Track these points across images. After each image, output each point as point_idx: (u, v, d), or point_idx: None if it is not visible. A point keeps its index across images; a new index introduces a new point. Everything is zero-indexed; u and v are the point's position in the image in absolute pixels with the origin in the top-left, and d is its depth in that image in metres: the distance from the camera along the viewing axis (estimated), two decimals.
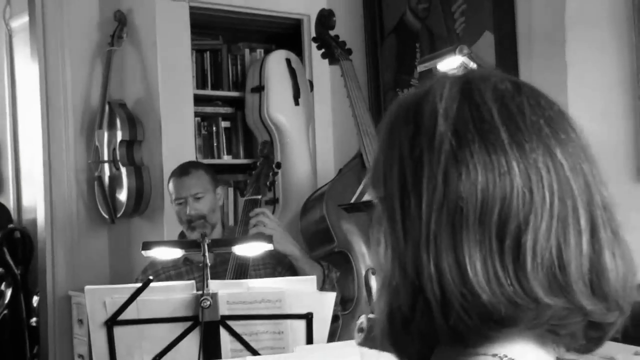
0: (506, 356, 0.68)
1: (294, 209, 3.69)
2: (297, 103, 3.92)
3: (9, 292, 4.32)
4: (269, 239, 2.09)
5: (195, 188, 2.75)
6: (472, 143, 0.67)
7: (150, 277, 1.95)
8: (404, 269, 0.68)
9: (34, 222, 4.20)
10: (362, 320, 0.81)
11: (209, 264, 1.97)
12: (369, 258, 3.18)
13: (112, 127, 3.74)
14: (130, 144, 3.72)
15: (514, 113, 0.69)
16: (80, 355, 3.75)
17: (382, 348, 0.71)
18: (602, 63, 2.85)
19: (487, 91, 0.71)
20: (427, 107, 0.71)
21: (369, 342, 0.79)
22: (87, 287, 1.94)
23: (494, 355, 0.68)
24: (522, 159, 0.67)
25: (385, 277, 0.71)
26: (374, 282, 3.22)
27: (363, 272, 3.17)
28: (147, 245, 2.07)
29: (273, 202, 3.83)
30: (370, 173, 0.75)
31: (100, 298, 1.93)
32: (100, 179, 3.79)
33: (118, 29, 3.78)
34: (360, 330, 0.81)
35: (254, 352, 1.95)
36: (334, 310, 2.05)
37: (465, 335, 0.67)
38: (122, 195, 3.70)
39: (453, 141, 0.68)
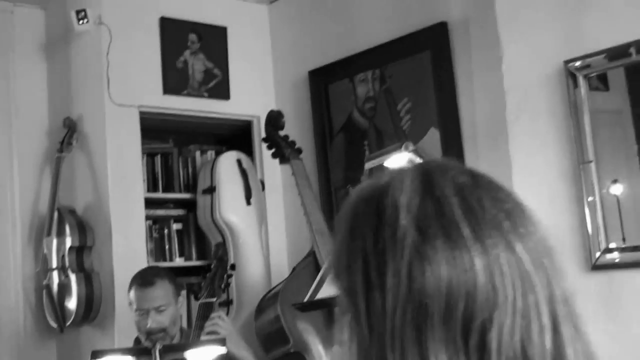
0: None
1: (248, 310, 3.64)
2: (249, 203, 3.93)
3: None
4: (222, 342, 2.05)
5: (159, 300, 2.68)
6: (435, 238, 0.67)
7: None
8: None
9: None
10: None
11: None
12: (325, 359, 3.13)
13: (61, 233, 3.68)
14: (80, 250, 3.66)
15: (474, 207, 0.70)
16: None
17: None
18: (545, 155, 2.93)
19: (446, 185, 0.71)
20: (389, 201, 0.71)
21: None
22: None
23: None
24: (484, 255, 0.67)
25: None
26: None
27: None
28: (96, 354, 2.01)
29: (227, 303, 3.77)
30: (333, 264, 0.74)
31: None
32: (48, 287, 3.70)
33: (67, 135, 3.78)
34: None
35: None
36: None
37: None
38: (72, 303, 3.61)
39: (416, 236, 0.68)
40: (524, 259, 0.68)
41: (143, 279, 2.76)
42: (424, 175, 0.72)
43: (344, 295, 0.72)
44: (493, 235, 0.68)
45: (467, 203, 0.70)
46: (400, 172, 0.74)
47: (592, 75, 2.84)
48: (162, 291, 2.70)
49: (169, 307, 2.68)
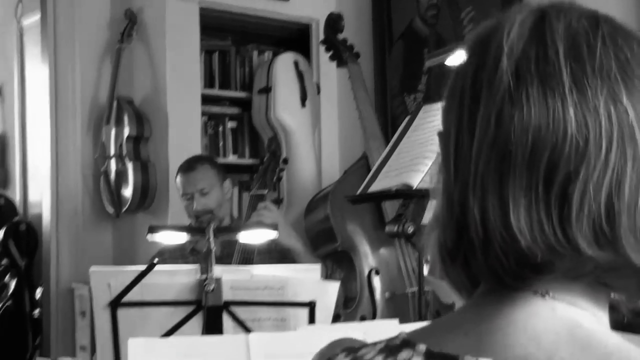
0: (548, 293, 0.67)
1: (298, 209, 3.70)
2: (303, 105, 3.95)
3: (12, 284, 4.34)
4: (274, 227, 2.11)
5: (201, 183, 2.77)
6: (530, 85, 0.65)
7: (155, 261, 1.96)
8: (451, 206, 0.69)
9: (39, 216, 4.22)
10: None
11: (216, 255, 1.98)
12: (371, 259, 3.20)
13: (119, 123, 3.77)
14: (137, 140, 3.75)
15: (583, 55, 0.66)
16: (83, 347, 3.76)
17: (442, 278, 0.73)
18: None
19: (558, 29, 0.67)
20: (494, 43, 0.68)
21: (434, 272, 0.82)
22: (92, 269, 1.96)
23: (536, 291, 0.68)
24: (581, 105, 0.64)
25: (436, 211, 0.72)
26: (376, 282, 3.24)
27: (366, 272, 3.18)
28: (153, 229, 2.09)
29: (277, 202, 3.84)
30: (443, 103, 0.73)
31: (104, 280, 1.95)
32: (106, 173, 3.82)
33: (128, 27, 3.82)
34: (427, 261, 0.84)
35: None
36: (336, 310, 2.06)
37: (503, 276, 0.67)
38: (128, 191, 3.72)
39: (512, 81, 0.65)
40: (629, 111, 0.65)
41: (185, 165, 2.86)
42: (538, 17, 0.69)
43: (440, 137, 0.73)
44: (596, 84, 0.65)
45: (576, 50, 0.66)
46: (516, 13, 0.70)
47: None
48: (203, 174, 2.78)
49: (213, 189, 2.76)
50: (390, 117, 3.96)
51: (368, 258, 3.20)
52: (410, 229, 2.04)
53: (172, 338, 1.83)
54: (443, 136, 0.72)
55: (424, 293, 2.78)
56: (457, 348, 0.67)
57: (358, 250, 3.24)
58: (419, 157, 2.22)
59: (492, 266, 0.66)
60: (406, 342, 0.69)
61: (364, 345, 0.73)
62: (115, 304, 1.93)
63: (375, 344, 0.72)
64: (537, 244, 0.64)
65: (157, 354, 1.45)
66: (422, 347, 0.68)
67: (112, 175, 3.79)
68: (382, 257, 3.22)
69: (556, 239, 0.64)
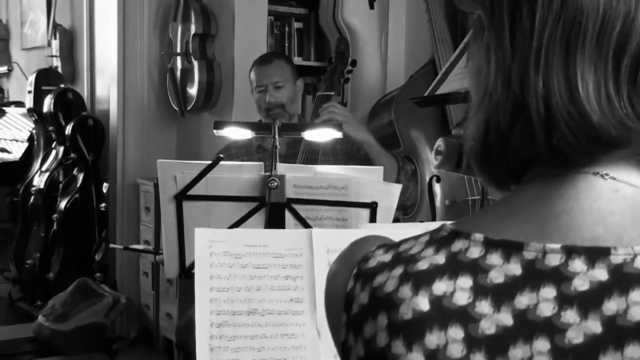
0: (608, 174, 0.65)
1: (361, 113, 3.67)
2: (372, 7, 3.85)
3: (80, 177, 4.47)
4: (338, 126, 2.09)
5: (276, 76, 2.76)
6: None
7: (221, 155, 1.97)
8: (507, 84, 0.65)
9: (106, 112, 4.30)
10: (440, 143, 0.80)
11: (281, 154, 1.98)
12: (434, 162, 3.17)
13: (186, 19, 3.75)
14: (203, 38, 3.74)
15: None
16: (146, 241, 3.87)
17: (461, 170, 0.70)
18: None
19: None
20: None
21: (445, 164, 0.79)
22: (159, 161, 1.99)
23: (596, 173, 0.65)
24: None
25: (484, 93, 0.68)
26: (437, 189, 3.22)
27: (427, 179, 3.17)
28: (219, 125, 2.09)
29: (342, 104, 3.81)
30: None
31: (171, 172, 1.97)
32: (172, 70, 3.83)
33: None
34: (438, 152, 0.80)
35: None
36: (395, 215, 2.05)
37: (567, 155, 0.64)
38: (193, 89, 3.74)
39: None
40: None
41: (261, 58, 2.85)
42: None
43: (484, 12, 0.68)
44: None
45: None
46: None
47: None
48: (279, 68, 2.76)
49: (287, 84, 2.75)
50: (459, 21, 3.84)
51: (430, 165, 3.17)
52: None
53: (237, 229, 1.85)
54: (490, 12, 0.67)
55: (486, 200, 2.76)
56: (518, 235, 0.64)
57: (421, 157, 3.21)
58: None
59: (556, 145, 0.63)
60: (457, 233, 0.67)
61: (402, 241, 0.70)
62: (181, 196, 1.97)
63: (416, 237, 0.69)
64: (609, 120, 0.62)
65: (222, 244, 1.47)
66: (478, 236, 0.65)
67: (178, 73, 3.80)
68: None
69: (626, 113, 0.62)
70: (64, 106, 4.62)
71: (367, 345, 0.65)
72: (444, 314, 0.62)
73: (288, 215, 2.00)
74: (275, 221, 1.99)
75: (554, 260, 0.62)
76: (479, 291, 0.62)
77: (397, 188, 2.00)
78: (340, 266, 0.72)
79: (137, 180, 4.00)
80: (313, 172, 2.02)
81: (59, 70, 5.02)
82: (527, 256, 0.63)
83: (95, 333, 3.85)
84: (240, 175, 2.00)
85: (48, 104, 4.65)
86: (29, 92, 4.95)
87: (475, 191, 3.18)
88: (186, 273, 2.01)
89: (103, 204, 4.30)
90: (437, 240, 0.67)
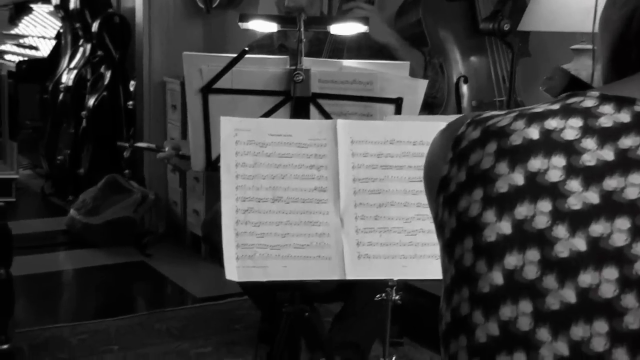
0: None
1: (389, 12, 3.61)
2: None
3: (108, 75, 4.49)
4: (365, 20, 2.07)
5: None
6: None
7: (246, 48, 1.97)
8: None
9: (132, 9, 4.27)
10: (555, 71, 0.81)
11: (305, 52, 1.96)
12: (461, 66, 3.14)
13: None
14: None
15: None
16: (173, 139, 3.92)
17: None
18: None
19: None
20: None
21: (551, 89, 0.80)
22: (185, 53, 1.99)
23: None
24: None
25: None
26: (464, 89, 3.20)
27: (454, 79, 3.14)
28: (245, 17, 2.07)
29: (369, 2, 3.75)
30: None
31: (196, 65, 1.98)
32: None
33: None
34: (549, 79, 0.82)
35: None
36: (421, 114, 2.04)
37: None
38: None
39: None
40: None
41: None
42: None
43: None
44: None
45: None
46: None
47: None
48: None
49: None
50: None
51: (458, 65, 3.14)
52: (507, 26, 1.96)
53: (261, 119, 1.87)
54: None
55: (513, 101, 2.74)
56: (632, 93, 0.67)
57: (448, 57, 3.17)
58: None
59: None
60: (570, 94, 0.70)
61: (491, 115, 0.72)
62: (207, 89, 1.98)
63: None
64: None
65: (247, 132, 1.50)
66: (594, 93, 0.68)
67: None
68: (472, 65, 3.15)
69: None
70: (90, 2, 4.60)
71: (459, 216, 0.69)
72: (537, 188, 0.66)
73: (313, 110, 2.01)
74: (300, 116, 1.99)
75: None
76: (571, 171, 0.66)
77: (423, 83, 1.99)
78: (437, 151, 0.75)
79: (164, 78, 4.01)
80: (338, 66, 2.02)
81: None
82: (637, 109, 0.66)
83: (125, 227, 3.95)
84: (266, 68, 2.00)
85: (74, 0, 4.62)
86: None
87: (503, 92, 3.15)
88: (212, 166, 2.04)
89: (130, 102, 4.33)
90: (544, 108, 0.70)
